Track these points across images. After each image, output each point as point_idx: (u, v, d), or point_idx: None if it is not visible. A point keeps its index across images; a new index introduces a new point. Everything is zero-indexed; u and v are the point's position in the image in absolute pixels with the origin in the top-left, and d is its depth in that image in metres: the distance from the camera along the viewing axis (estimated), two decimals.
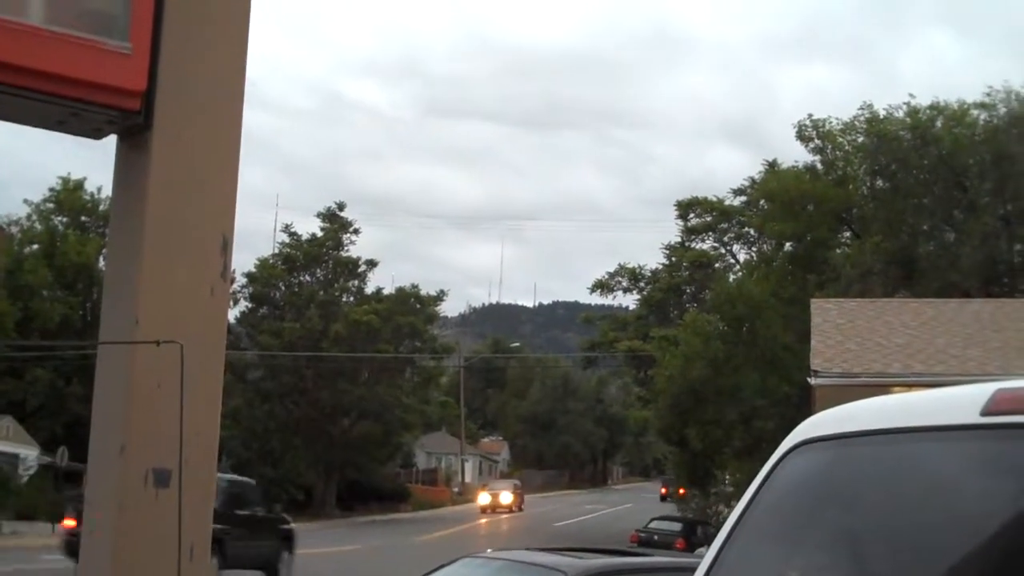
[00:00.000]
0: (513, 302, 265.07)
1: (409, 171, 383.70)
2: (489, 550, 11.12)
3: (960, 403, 3.00)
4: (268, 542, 28.22)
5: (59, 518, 38.15)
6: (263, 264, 68.73)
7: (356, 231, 70.04)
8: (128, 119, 4.71)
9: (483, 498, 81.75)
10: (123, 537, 4.55)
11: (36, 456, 55.00)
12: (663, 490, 64.91)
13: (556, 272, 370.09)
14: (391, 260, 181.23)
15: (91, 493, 4.85)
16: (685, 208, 63.01)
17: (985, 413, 2.94)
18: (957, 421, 2.92)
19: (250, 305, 68.95)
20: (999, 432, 2.90)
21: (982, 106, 49.55)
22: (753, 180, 58.34)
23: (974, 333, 32.77)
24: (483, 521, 67.98)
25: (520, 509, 79.64)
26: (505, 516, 73.45)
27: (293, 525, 30.82)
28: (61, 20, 4.47)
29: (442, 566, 9.86)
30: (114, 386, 4.74)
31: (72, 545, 24.63)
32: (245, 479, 31.89)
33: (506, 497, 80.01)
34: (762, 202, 55.36)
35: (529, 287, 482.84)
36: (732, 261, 63.41)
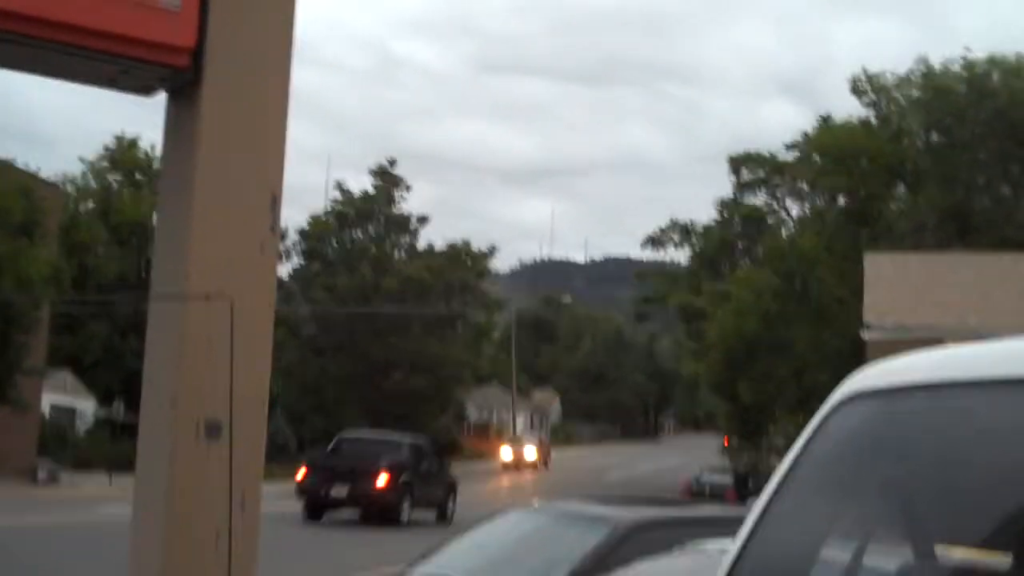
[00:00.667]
0: (565, 257, 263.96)
1: (461, 128, 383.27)
2: (536, 502, 11.13)
3: (1021, 354, 2.95)
4: (440, 489, 34.28)
5: (115, 468, 39.38)
6: (315, 221, 69.11)
7: (408, 187, 70.38)
8: (178, 76, 4.75)
9: (505, 453, 75.86)
10: (175, 487, 4.62)
11: (93, 410, 55.79)
12: (726, 441, 64.25)
13: (608, 228, 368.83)
14: (443, 216, 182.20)
15: (143, 445, 4.91)
16: (738, 163, 62.09)
17: None
18: (1018, 374, 2.88)
19: (303, 262, 69.35)
20: None
21: None
22: (806, 135, 57.31)
23: None
24: (521, 477, 66.21)
25: (546, 466, 74.52)
26: (530, 476, 68.63)
27: (457, 477, 37.32)
28: None
29: (490, 519, 9.90)
30: (165, 339, 4.80)
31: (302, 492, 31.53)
32: (423, 438, 37.03)
33: (530, 452, 73.98)
34: (815, 157, 54.81)
35: (581, 243, 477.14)
36: (785, 216, 62.38)
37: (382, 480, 31.22)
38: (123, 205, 59.27)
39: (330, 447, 35.41)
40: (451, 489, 35.48)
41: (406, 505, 31.88)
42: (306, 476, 31.90)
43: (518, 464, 74.94)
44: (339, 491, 31.13)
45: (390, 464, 31.82)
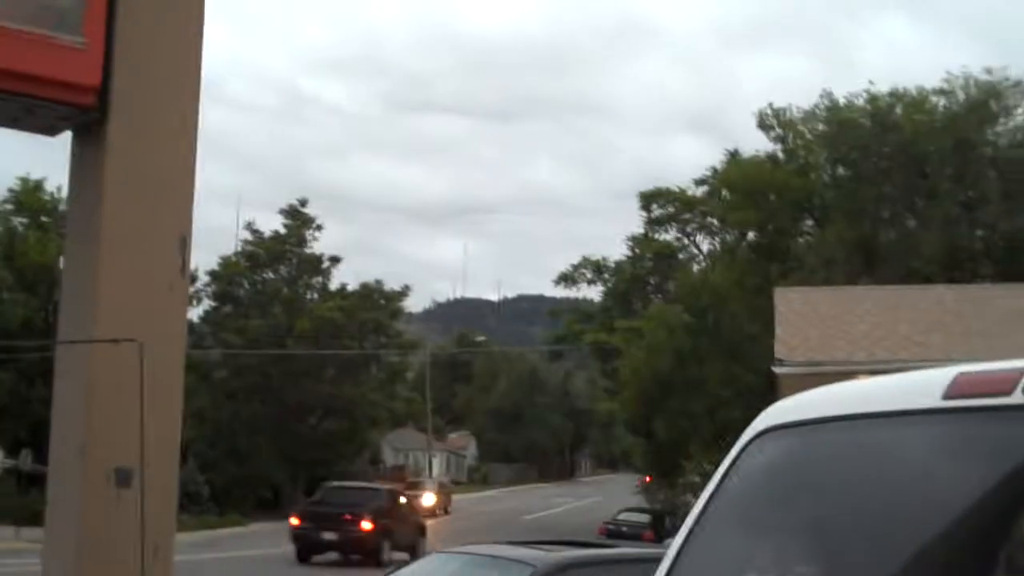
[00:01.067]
0: (478, 296, 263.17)
1: (371, 166, 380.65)
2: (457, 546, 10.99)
3: (922, 387, 2.97)
4: (412, 531, 37.80)
5: (23, 520, 38.31)
6: (226, 262, 67.70)
7: (319, 227, 69.13)
8: (83, 115, 4.65)
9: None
10: (86, 538, 4.50)
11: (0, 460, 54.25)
12: (645, 480, 63.09)
13: (520, 265, 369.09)
14: (355, 256, 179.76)
15: (52, 495, 4.78)
16: (648, 199, 62.77)
17: (947, 397, 2.91)
18: (919, 406, 2.91)
19: (214, 304, 67.92)
20: (961, 415, 2.88)
21: (941, 92, 49.60)
22: (715, 170, 58.34)
23: (937, 319, 32.94)
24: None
25: (447, 512, 70.05)
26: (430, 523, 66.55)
27: (425, 520, 42.60)
28: (11, 15, 4.40)
29: (411, 561, 9.83)
30: (73, 386, 4.68)
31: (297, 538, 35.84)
32: (391, 487, 43.31)
33: (428, 499, 67.55)
34: (724, 192, 55.40)
35: (494, 281, 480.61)
36: (695, 252, 63.70)
37: (367, 525, 35.19)
38: (28, 248, 57.86)
39: (316, 497, 39.60)
40: (421, 531, 38.91)
41: (386, 546, 35.40)
42: (300, 523, 36.10)
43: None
44: (329, 536, 35.20)
45: (372, 510, 35.71)
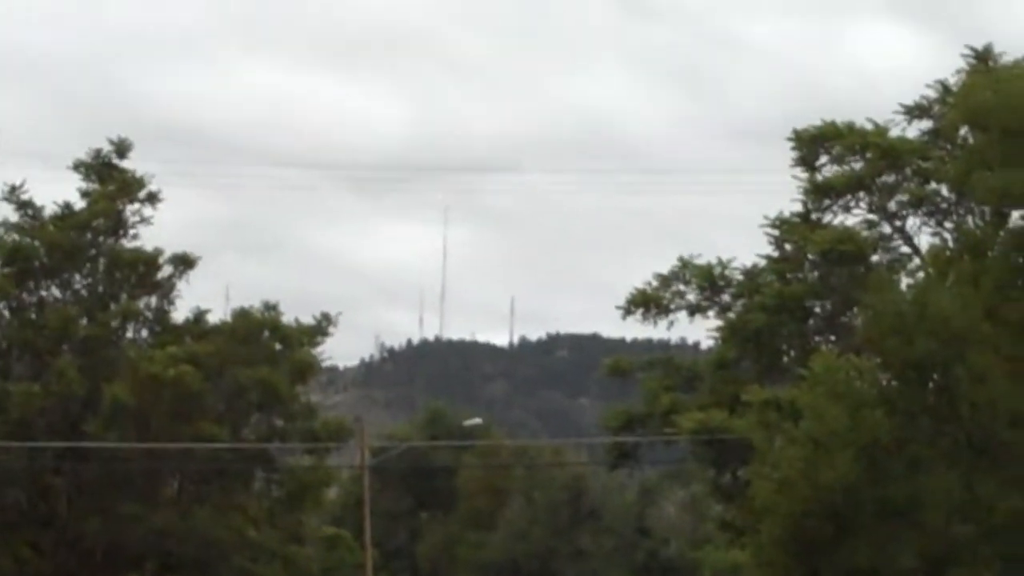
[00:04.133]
0: (468, 337, 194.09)
1: (270, 74, 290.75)
2: None
3: None
4: None
5: None
6: None
7: (154, 197, 50.84)
8: None
9: None
10: None
11: None
12: None
13: (549, 275, 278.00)
14: (228, 255, 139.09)
15: None
16: (809, 143, 45.37)
17: None
18: None
19: None
20: None
21: None
22: (944, 88, 43.89)
23: None
24: None
25: None
26: None
27: None
28: None
29: None
30: None
31: None
32: None
33: None
34: (963, 131, 41.20)
35: (499, 307, 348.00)
36: (905, 250, 46.68)
37: None
38: None
39: None
40: None
41: None
42: None
43: None
44: None
45: None
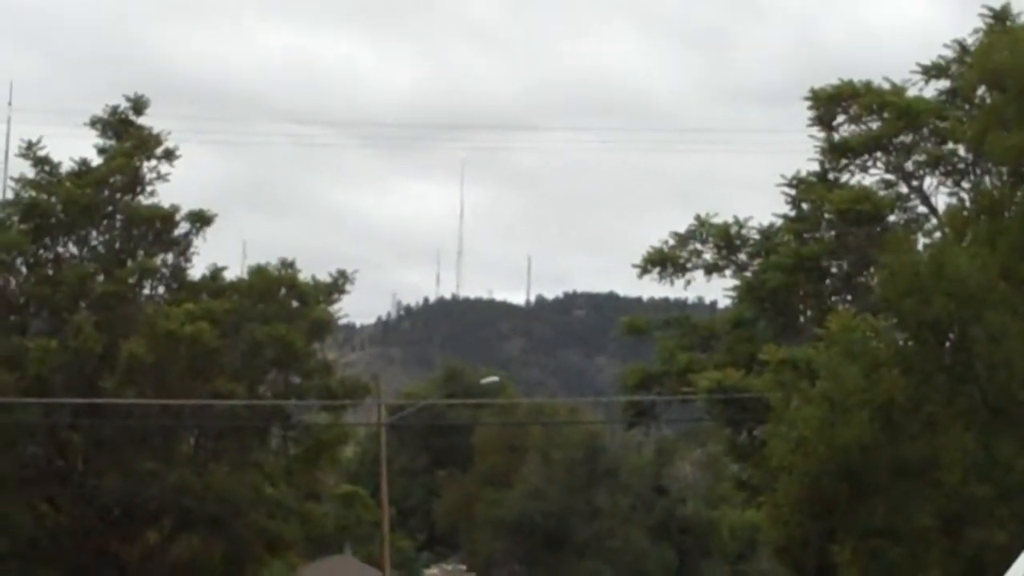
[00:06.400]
0: (485, 295, 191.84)
1: (287, 33, 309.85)
2: None
3: None
4: None
5: None
6: None
7: (171, 154, 50.90)
8: None
9: None
10: None
11: None
12: None
13: (566, 235, 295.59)
14: (245, 213, 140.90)
15: None
16: (827, 102, 46.36)
17: None
18: None
19: None
20: None
21: None
22: (962, 47, 44.88)
23: None
24: None
25: None
26: None
27: None
28: None
29: None
30: None
31: None
32: None
33: None
34: (981, 90, 42.89)
35: (516, 265, 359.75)
36: (922, 210, 47.86)
37: None
38: None
39: None
40: None
41: None
42: None
43: None
44: None
45: None
